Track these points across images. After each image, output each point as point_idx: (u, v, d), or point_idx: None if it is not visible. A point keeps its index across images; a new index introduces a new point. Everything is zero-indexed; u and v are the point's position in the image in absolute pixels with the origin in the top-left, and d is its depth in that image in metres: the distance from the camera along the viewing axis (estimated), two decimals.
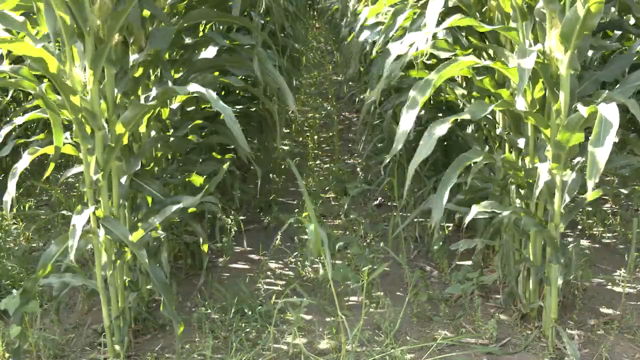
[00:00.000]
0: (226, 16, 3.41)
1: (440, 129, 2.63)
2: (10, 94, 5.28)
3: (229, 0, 3.71)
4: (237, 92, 4.50)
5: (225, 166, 3.30)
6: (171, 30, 3.02)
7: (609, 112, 2.30)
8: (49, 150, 2.81)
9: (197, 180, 3.42)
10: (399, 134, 2.69)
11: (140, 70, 3.04)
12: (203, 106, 3.79)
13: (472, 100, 3.35)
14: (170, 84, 3.04)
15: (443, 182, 2.77)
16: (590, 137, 2.27)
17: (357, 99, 8.08)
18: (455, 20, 2.80)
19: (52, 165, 2.94)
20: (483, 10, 3.27)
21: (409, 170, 2.66)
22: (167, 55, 3.28)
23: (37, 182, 3.27)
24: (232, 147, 4.10)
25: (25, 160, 2.86)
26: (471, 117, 2.73)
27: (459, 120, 2.79)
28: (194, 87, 2.64)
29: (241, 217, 4.60)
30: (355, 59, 5.34)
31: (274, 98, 4.40)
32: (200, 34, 3.75)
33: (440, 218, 2.79)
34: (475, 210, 2.86)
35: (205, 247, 3.53)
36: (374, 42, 4.56)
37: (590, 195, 2.32)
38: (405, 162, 4.61)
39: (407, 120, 2.66)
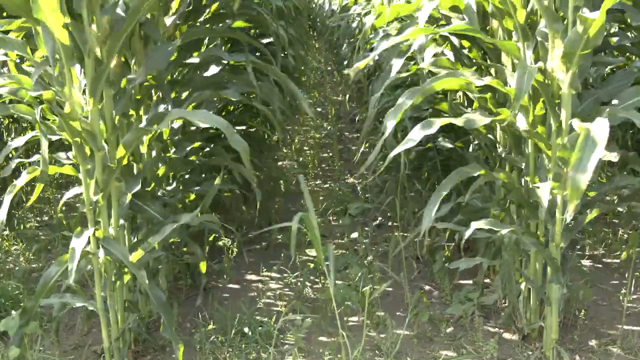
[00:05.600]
0: (227, 33, 3.44)
1: (430, 128, 2.67)
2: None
3: (228, 17, 3.75)
4: (237, 111, 4.51)
5: (217, 180, 3.31)
6: (170, 49, 3.02)
7: (598, 129, 2.25)
8: (50, 170, 2.82)
9: (198, 199, 3.42)
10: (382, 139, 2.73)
11: (142, 90, 3.05)
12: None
13: (466, 114, 3.35)
14: (169, 107, 3.05)
15: (437, 190, 2.79)
16: (571, 159, 2.22)
17: (357, 119, 8.09)
18: (457, 25, 2.81)
19: (39, 187, 2.95)
20: (487, 29, 3.29)
21: (387, 158, 2.75)
22: (168, 77, 3.29)
23: (30, 204, 3.28)
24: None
25: (23, 178, 2.87)
26: (465, 125, 2.74)
27: (461, 141, 2.80)
28: (204, 117, 2.67)
29: (242, 237, 4.59)
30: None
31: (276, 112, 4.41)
32: (196, 53, 3.76)
33: (429, 225, 2.80)
34: (474, 227, 2.86)
35: (203, 266, 3.52)
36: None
37: (588, 216, 2.32)
38: (406, 181, 4.62)
39: (388, 126, 2.72)
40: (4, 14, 3.66)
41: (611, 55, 3.68)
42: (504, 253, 3.23)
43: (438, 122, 2.68)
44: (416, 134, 2.67)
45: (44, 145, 2.51)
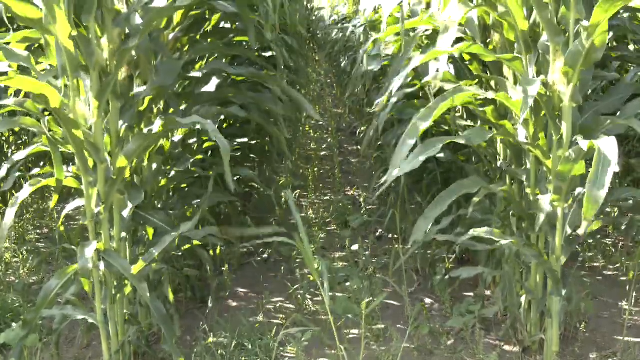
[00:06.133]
0: (231, 49, 3.46)
1: (432, 149, 2.66)
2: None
3: (230, 32, 3.77)
4: (238, 124, 4.52)
5: (210, 184, 3.33)
6: (177, 64, 3.04)
7: (608, 147, 2.30)
8: (51, 182, 2.82)
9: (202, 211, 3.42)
10: (394, 160, 2.71)
11: (145, 103, 3.07)
12: (205, 138, 3.81)
13: (469, 130, 3.36)
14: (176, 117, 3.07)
15: (434, 203, 2.80)
16: (589, 176, 2.26)
17: (357, 132, 8.10)
18: (464, 45, 2.82)
19: (55, 197, 2.95)
20: (487, 41, 3.30)
21: (389, 178, 2.70)
22: (171, 90, 3.30)
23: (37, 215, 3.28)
24: (235, 179, 4.11)
25: (26, 191, 2.87)
26: (467, 142, 2.75)
27: (461, 153, 2.80)
28: (193, 119, 2.67)
29: (242, 250, 4.59)
30: (358, 82, 5.30)
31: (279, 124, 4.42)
32: (198, 66, 3.78)
33: (421, 237, 2.80)
34: (472, 233, 2.86)
35: (209, 271, 3.51)
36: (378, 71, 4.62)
37: (589, 228, 2.32)
38: (406, 193, 4.62)
39: (404, 149, 2.68)
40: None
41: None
42: (504, 265, 3.23)
43: (440, 142, 2.68)
44: (420, 155, 2.66)
45: (57, 157, 2.53)
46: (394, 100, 3.62)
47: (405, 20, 3.35)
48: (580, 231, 2.28)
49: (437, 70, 3.07)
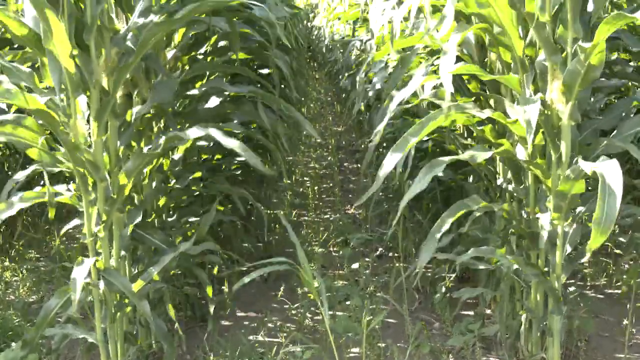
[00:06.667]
0: (230, 67, 3.47)
1: (437, 168, 2.66)
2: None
3: (229, 50, 3.78)
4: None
5: (215, 204, 3.32)
6: (174, 83, 3.05)
7: (612, 175, 2.28)
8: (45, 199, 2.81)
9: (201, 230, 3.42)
10: (380, 175, 2.72)
11: (144, 122, 3.07)
12: (204, 157, 3.81)
13: (470, 148, 3.37)
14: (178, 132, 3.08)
15: (436, 226, 2.79)
16: (595, 211, 2.24)
17: (357, 150, 8.12)
18: (461, 67, 2.84)
19: (52, 211, 2.93)
20: (485, 60, 3.31)
21: (401, 204, 2.70)
22: (170, 109, 3.32)
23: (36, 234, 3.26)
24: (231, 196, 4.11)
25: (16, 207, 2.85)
26: (470, 160, 2.75)
27: (461, 172, 2.80)
28: (195, 132, 2.68)
29: (242, 268, 4.58)
30: (359, 99, 5.30)
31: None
32: (198, 84, 3.79)
33: (427, 260, 2.80)
34: (472, 253, 2.86)
35: (209, 291, 3.50)
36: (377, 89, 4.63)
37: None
38: (406, 211, 4.62)
39: (390, 162, 2.70)
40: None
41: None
42: (502, 284, 3.22)
43: (444, 162, 2.69)
44: (426, 176, 2.68)
45: (47, 176, 2.53)
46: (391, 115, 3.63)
47: (403, 37, 3.37)
48: (584, 259, 2.27)
49: (434, 89, 3.09)
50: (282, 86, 5.08)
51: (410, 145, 2.69)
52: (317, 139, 6.53)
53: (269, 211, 5.50)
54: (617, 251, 4.55)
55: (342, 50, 8.63)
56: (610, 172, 2.29)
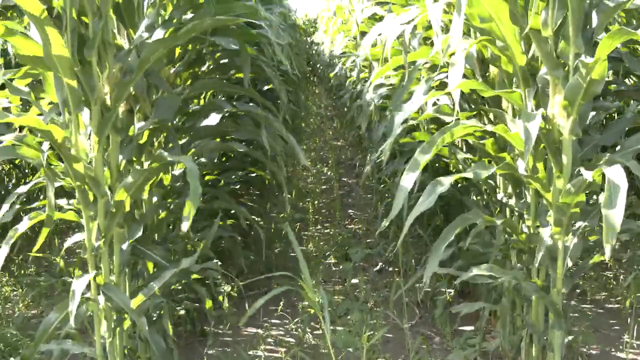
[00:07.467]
0: (232, 86, 3.49)
1: (443, 185, 2.66)
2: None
3: (231, 67, 3.80)
4: (238, 156, 4.53)
5: (217, 220, 3.32)
6: (176, 99, 3.07)
7: (616, 175, 2.30)
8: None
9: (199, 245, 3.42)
10: (399, 194, 2.72)
11: (145, 137, 3.08)
12: (205, 172, 3.81)
13: (473, 165, 3.37)
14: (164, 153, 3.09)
15: (440, 239, 2.78)
16: (602, 201, 2.26)
17: (357, 164, 8.12)
18: (463, 83, 2.84)
19: (45, 231, 2.93)
20: (486, 74, 3.32)
21: (407, 222, 2.69)
22: (169, 124, 3.32)
23: (35, 249, 3.25)
24: (234, 212, 4.11)
25: (24, 224, 2.87)
26: (474, 177, 2.75)
27: (460, 186, 2.80)
28: (180, 158, 2.69)
29: (242, 283, 4.57)
30: (365, 117, 5.31)
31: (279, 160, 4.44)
32: (202, 101, 3.81)
33: (431, 275, 2.79)
34: (474, 273, 2.85)
35: (209, 305, 3.50)
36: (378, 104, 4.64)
37: (592, 260, 2.31)
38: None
39: (407, 182, 2.69)
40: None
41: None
42: (503, 299, 3.22)
43: (448, 181, 2.69)
44: (430, 196, 2.68)
45: (51, 191, 2.53)
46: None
47: (406, 54, 3.38)
48: (607, 256, 2.27)
49: (435, 105, 3.10)
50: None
51: (423, 163, 2.68)
52: (309, 164, 6.51)
53: (269, 225, 5.51)
54: (614, 266, 4.55)
55: (342, 66, 8.65)
56: (614, 173, 2.31)
